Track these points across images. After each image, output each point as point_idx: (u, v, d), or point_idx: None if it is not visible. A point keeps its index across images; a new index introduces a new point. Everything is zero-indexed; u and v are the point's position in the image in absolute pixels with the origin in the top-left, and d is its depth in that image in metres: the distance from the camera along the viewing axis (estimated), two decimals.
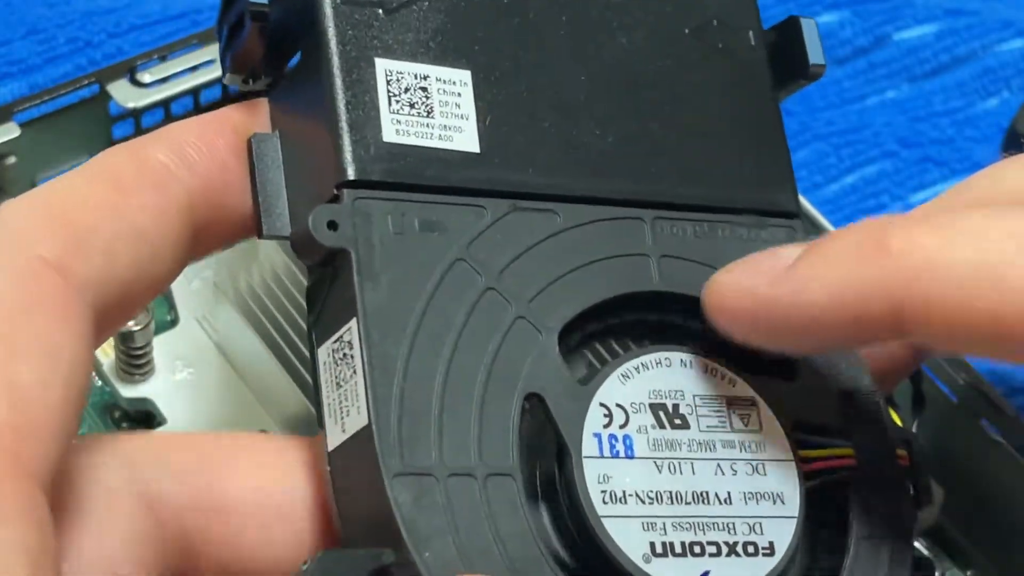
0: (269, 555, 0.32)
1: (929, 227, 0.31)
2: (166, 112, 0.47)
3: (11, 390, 0.28)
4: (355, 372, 0.31)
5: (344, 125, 0.32)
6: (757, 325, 0.32)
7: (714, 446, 0.33)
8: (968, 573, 0.44)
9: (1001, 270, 0.29)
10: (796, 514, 0.33)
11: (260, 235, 0.33)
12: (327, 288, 0.32)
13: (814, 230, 0.36)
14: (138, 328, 0.42)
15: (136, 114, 0.46)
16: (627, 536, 0.31)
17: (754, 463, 0.33)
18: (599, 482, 0.32)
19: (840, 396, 0.35)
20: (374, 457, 0.30)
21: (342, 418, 0.31)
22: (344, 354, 0.31)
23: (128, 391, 0.43)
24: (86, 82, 0.45)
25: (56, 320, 0.29)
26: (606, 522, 0.31)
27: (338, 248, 0.32)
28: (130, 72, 0.46)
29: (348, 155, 0.32)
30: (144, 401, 0.43)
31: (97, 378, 0.44)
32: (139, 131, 0.47)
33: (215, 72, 0.47)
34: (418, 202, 0.33)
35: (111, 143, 0.47)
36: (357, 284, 0.31)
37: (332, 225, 0.32)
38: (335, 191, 0.32)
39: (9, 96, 0.51)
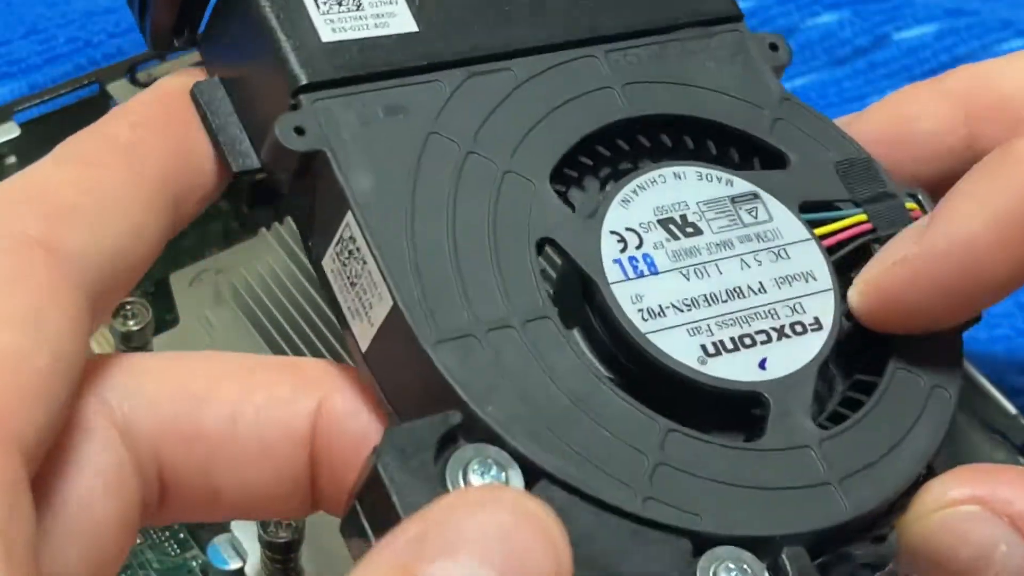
0: (245, 489, 0.31)
1: None
2: None
3: None
4: (365, 262, 0.31)
5: (281, 38, 0.33)
6: (919, 290, 0.32)
7: (732, 244, 0.34)
8: None
9: None
10: (831, 286, 0.34)
11: (233, 175, 0.33)
12: (311, 197, 0.32)
13: None
14: (138, 328, 0.42)
15: None
16: (676, 345, 0.32)
17: (775, 250, 0.34)
18: (633, 302, 0.32)
19: (836, 168, 0.36)
20: (411, 334, 0.30)
21: (366, 313, 0.31)
22: (349, 251, 0.32)
23: None
24: (86, 82, 0.45)
25: (41, 291, 0.29)
26: (652, 337, 0.32)
27: (313, 150, 0.32)
28: (130, 72, 0.46)
29: (294, 63, 0.33)
30: None
31: None
32: None
33: None
34: (375, 91, 0.33)
35: None
36: (341, 178, 0.31)
37: (299, 131, 0.32)
38: (292, 101, 0.32)
39: (9, 96, 0.51)
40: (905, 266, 0.32)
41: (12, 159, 0.45)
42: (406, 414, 0.31)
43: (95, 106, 0.46)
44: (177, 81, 0.34)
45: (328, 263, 0.32)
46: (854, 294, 0.33)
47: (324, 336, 0.43)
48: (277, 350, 0.43)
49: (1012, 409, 0.42)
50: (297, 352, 0.43)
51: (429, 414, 0.30)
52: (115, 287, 0.32)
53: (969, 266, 0.31)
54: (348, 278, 0.32)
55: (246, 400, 0.31)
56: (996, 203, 0.31)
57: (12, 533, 0.27)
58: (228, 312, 0.44)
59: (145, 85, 0.46)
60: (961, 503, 0.31)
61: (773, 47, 0.37)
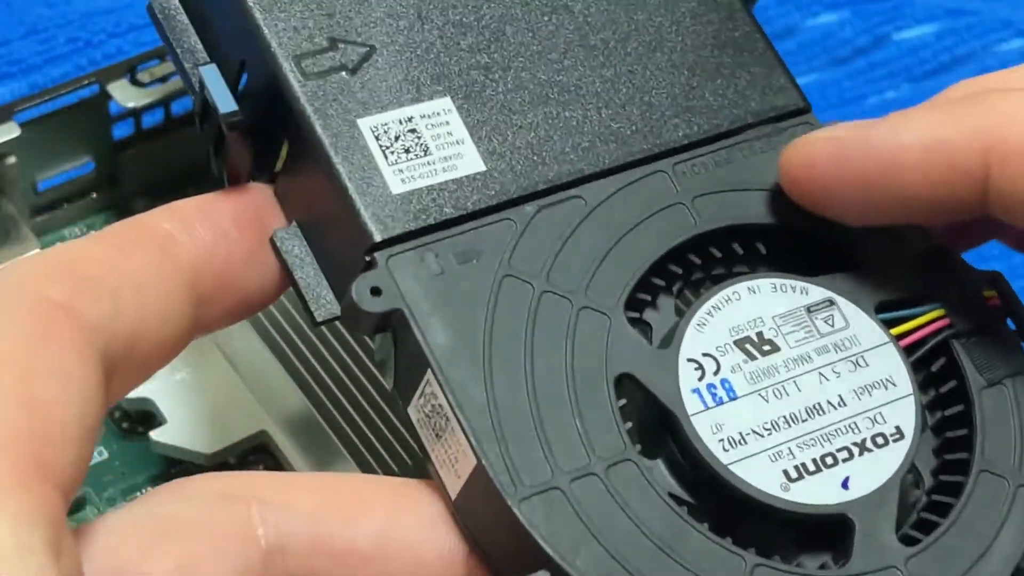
0: None
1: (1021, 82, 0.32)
2: (166, 112, 0.47)
3: (32, 404, 0.29)
4: (448, 420, 0.31)
5: (353, 196, 0.33)
6: (839, 169, 0.32)
7: (810, 357, 0.34)
8: None
9: None
10: (911, 391, 0.34)
11: (315, 323, 0.34)
12: (394, 350, 0.33)
13: None
14: None
15: (136, 114, 0.46)
16: (759, 473, 0.32)
17: (853, 358, 0.34)
18: (713, 433, 0.32)
19: (911, 263, 0.35)
20: (496, 492, 0.30)
21: (454, 466, 0.32)
22: (432, 407, 0.32)
23: None
24: (86, 82, 0.45)
25: (68, 350, 0.30)
26: (734, 468, 0.32)
27: (390, 310, 0.32)
28: (130, 72, 0.46)
29: (367, 220, 0.33)
30: (144, 401, 0.43)
31: None
32: (139, 131, 0.47)
33: None
34: (447, 238, 0.33)
35: (111, 143, 0.47)
36: (419, 336, 0.32)
37: (376, 291, 0.32)
38: (367, 258, 0.33)
39: (9, 96, 0.51)
40: (834, 143, 0.33)
41: (12, 159, 0.45)
42: (498, 563, 0.31)
43: (95, 106, 0.46)
44: (234, 196, 0.35)
45: (414, 412, 0.33)
46: (782, 155, 0.34)
47: (324, 336, 0.43)
48: (277, 350, 0.43)
49: None
50: (296, 352, 0.43)
51: (522, 565, 0.30)
52: (133, 367, 0.32)
53: (889, 171, 0.32)
54: (433, 430, 0.32)
55: (398, 517, 0.32)
56: (939, 132, 0.32)
57: (66, 569, 0.28)
58: None
59: (145, 85, 0.46)
60: None
61: None
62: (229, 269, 0.34)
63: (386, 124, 0.34)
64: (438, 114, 0.34)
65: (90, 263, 0.32)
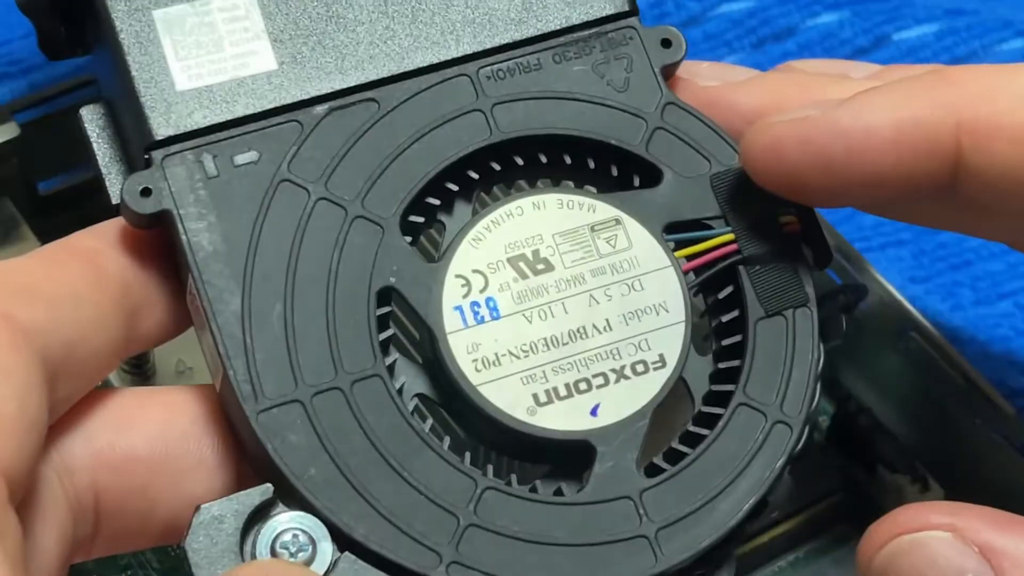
0: (181, 504, 0.32)
1: (987, 66, 0.32)
2: None
3: None
4: (205, 322, 0.31)
5: (138, 87, 0.32)
6: (805, 152, 0.32)
7: (583, 279, 0.33)
8: None
9: None
10: (683, 318, 0.33)
11: (113, 206, 0.33)
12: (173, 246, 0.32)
13: None
14: None
15: None
16: (507, 395, 0.31)
17: (629, 282, 0.33)
18: (469, 352, 0.32)
19: (711, 180, 0.34)
20: (238, 400, 0.30)
21: (212, 362, 0.32)
22: (196, 307, 0.32)
23: None
24: (86, 82, 0.45)
25: (4, 351, 0.30)
26: (483, 389, 0.31)
27: (159, 211, 0.32)
28: None
29: (147, 117, 0.32)
30: None
31: None
32: None
33: None
34: (231, 138, 0.32)
35: None
36: (183, 239, 0.31)
37: (146, 192, 0.32)
38: (145, 156, 0.32)
39: (9, 96, 0.51)
40: (802, 124, 0.32)
41: (12, 159, 0.45)
42: (252, 462, 0.31)
43: None
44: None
45: (188, 303, 0.32)
46: (747, 133, 0.33)
47: None
48: None
49: (1012, 409, 0.42)
50: None
51: (259, 469, 0.31)
52: (75, 373, 0.32)
53: (858, 150, 0.31)
54: (199, 329, 0.32)
55: (173, 420, 0.32)
56: (909, 108, 0.31)
57: (10, 550, 0.28)
58: None
59: None
60: (935, 528, 0.31)
61: (665, 43, 0.35)
62: (155, 288, 0.34)
63: (182, 15, 0.33)
64: (238, 7, 0.33)
65: (24, 275, 0.32)
